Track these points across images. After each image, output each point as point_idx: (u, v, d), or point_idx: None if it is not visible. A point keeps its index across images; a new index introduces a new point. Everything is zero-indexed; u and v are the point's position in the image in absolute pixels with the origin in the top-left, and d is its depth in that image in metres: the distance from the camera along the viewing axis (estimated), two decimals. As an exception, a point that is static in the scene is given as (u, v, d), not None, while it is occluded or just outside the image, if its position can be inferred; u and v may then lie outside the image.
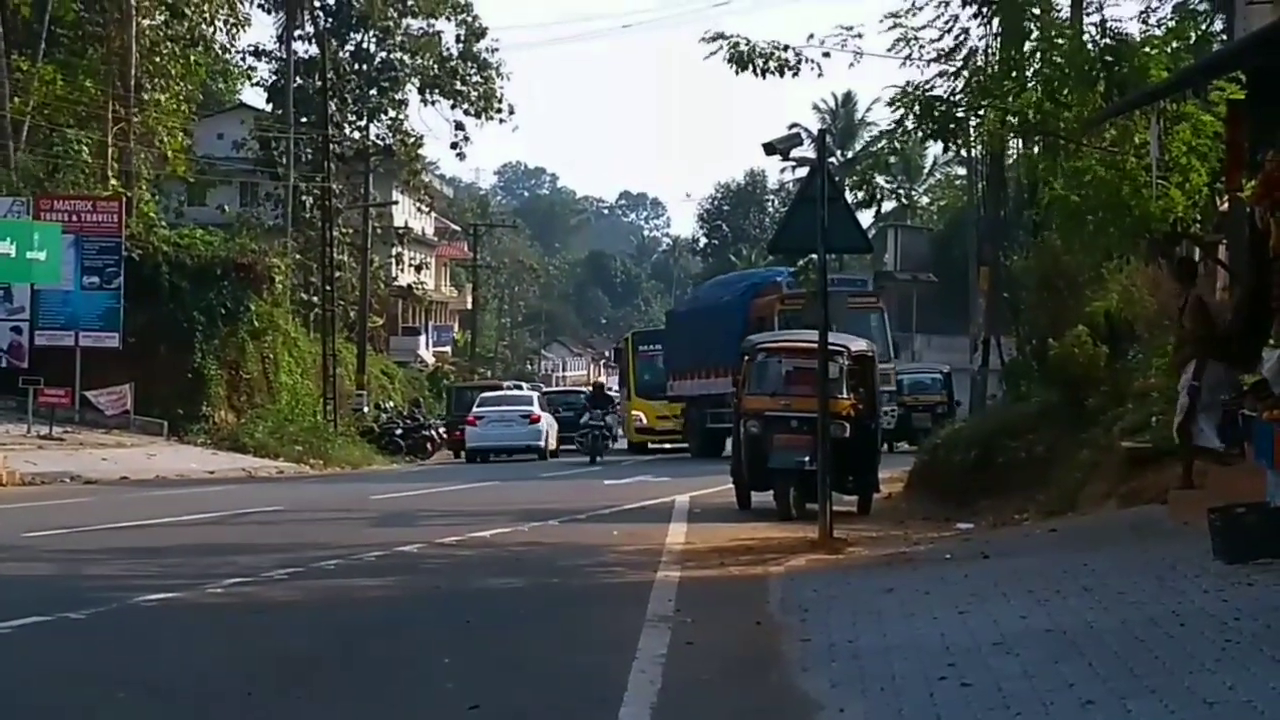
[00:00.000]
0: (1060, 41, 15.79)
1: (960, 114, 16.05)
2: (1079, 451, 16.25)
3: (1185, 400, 12.98)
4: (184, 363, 37.17)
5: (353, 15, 60.26)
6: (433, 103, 61.43)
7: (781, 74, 15.35)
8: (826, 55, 15.37)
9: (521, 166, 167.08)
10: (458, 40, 61.47)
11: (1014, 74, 15.71)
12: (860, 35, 15.42)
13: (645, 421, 41.94)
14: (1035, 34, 15.96)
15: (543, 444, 39.61)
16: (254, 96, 64.83)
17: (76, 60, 41.28)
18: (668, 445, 41.71)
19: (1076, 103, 15.15)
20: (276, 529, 16.98)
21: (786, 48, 15.35)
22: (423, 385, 63.22)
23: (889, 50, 15.67)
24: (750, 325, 30.91)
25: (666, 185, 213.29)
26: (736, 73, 15.30)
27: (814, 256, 15.79)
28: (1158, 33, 15.76)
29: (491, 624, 9.69)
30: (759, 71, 15.34)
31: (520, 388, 51.24)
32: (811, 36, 15.50)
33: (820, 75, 15.69)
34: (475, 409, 40.67)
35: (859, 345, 19.69)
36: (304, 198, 54.13)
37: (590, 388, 43.69)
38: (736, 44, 15.31)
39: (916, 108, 15.56)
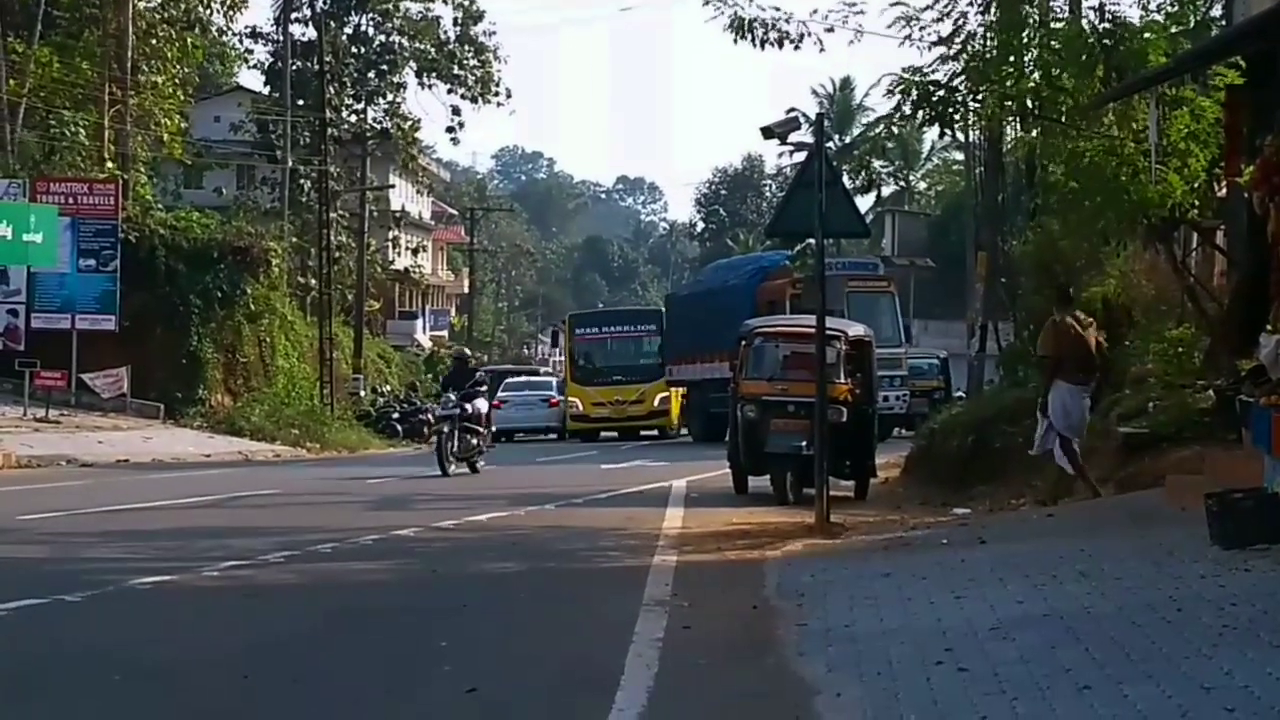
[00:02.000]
0: (1058, 26, 15.76)
1: (958, 98, 16.00)
2: (1076, 437, 16.24)
3: (1043, 421, 14.57)
4: (180, 346, 37.15)
5: (351, -2, 60.12)
6: (430, 86, 61.37)
7: (780, 45, 15.27)
8: (830, 30, 15.33)
9: (519, 150, 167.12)
10: (455, 23, 61.37)
11: (1012, 59, 15.66)
12: (863, 11, 15.39)
13: (580, 408, 41.70)
14: (1034, 18, 15.91)
15: (561, 425, 43.44)
16: (251, 79, 64.93)
17: (73, 42, 41.14)
18: (647, 433, 41.43)
19: (1075, 88, 15.11)
20: (272, 512, 16.97)
21: (789, 18, 15.28)
22: (419, 369, 63.23)
23: (889, 28, 15.62)
24: (759, 308, 30.59)
25: (664, 170, 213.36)
26: (735, 41, 15.21)
27: (812, 241, 15.75)
28: (1157, 18, 15.72)
29: (488, 608, 9.69)
30: (758, 42, 15.24)
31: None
32: (815, 12, 15.47)
33: (822, 50, 15.64)
34: (500, 393, 42.64)
35: (856, 330, 19.69)
36: (301, 181, 54.07)
37: (453, 361, 28.23)
38: (737, 9, 15.20)
39: (914, 92, 15.52)
